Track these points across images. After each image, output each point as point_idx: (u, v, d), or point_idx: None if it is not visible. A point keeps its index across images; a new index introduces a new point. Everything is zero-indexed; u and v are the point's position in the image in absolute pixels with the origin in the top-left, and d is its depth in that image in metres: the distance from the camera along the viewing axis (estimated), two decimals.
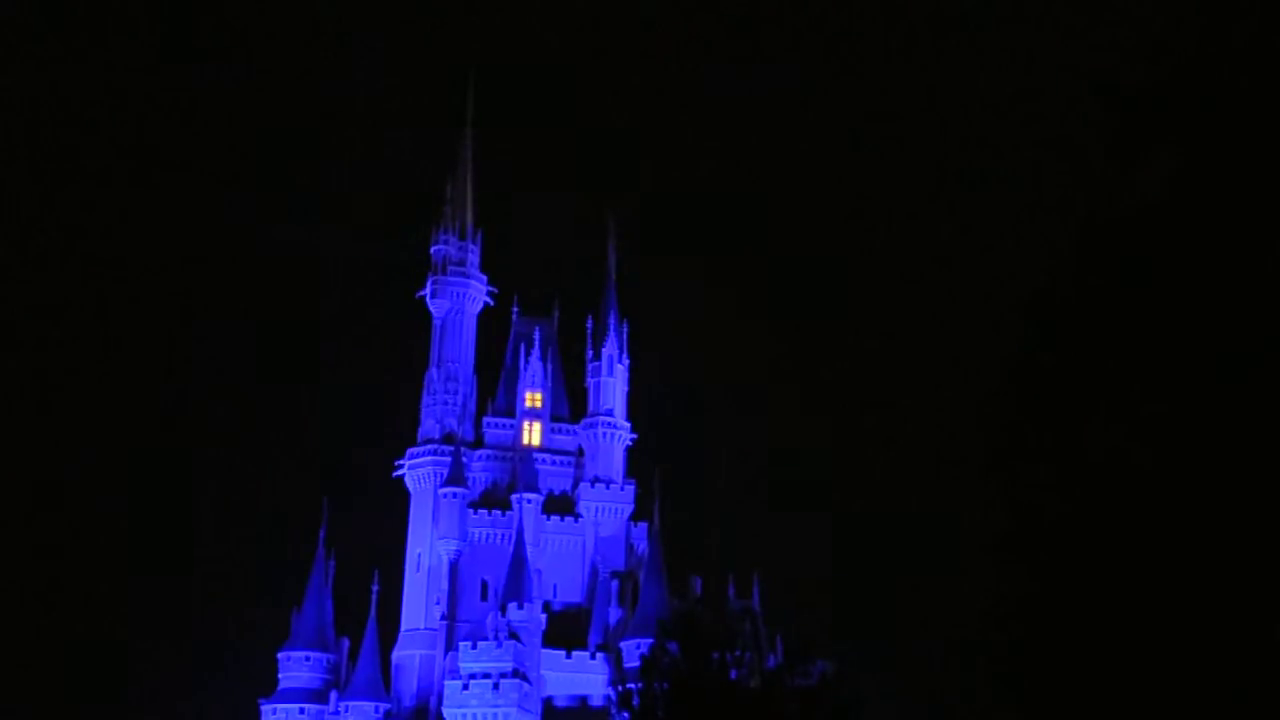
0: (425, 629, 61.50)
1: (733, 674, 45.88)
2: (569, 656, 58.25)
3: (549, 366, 67.07)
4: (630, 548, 63.23)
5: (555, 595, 61.92)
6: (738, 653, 47.56)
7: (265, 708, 60.00)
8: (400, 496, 65.57)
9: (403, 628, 62.53)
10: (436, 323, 67.77)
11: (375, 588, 61.96)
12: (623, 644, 57.39)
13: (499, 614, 58.20)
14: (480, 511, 63.14)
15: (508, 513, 62.83)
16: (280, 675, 60.59)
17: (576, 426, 65.98)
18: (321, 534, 63.01)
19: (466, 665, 56.07)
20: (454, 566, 61.97)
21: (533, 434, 65.91)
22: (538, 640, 57.99)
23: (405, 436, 66.21)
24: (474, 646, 56.61)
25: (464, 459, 63.76)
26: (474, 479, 64.31)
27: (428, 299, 67.82)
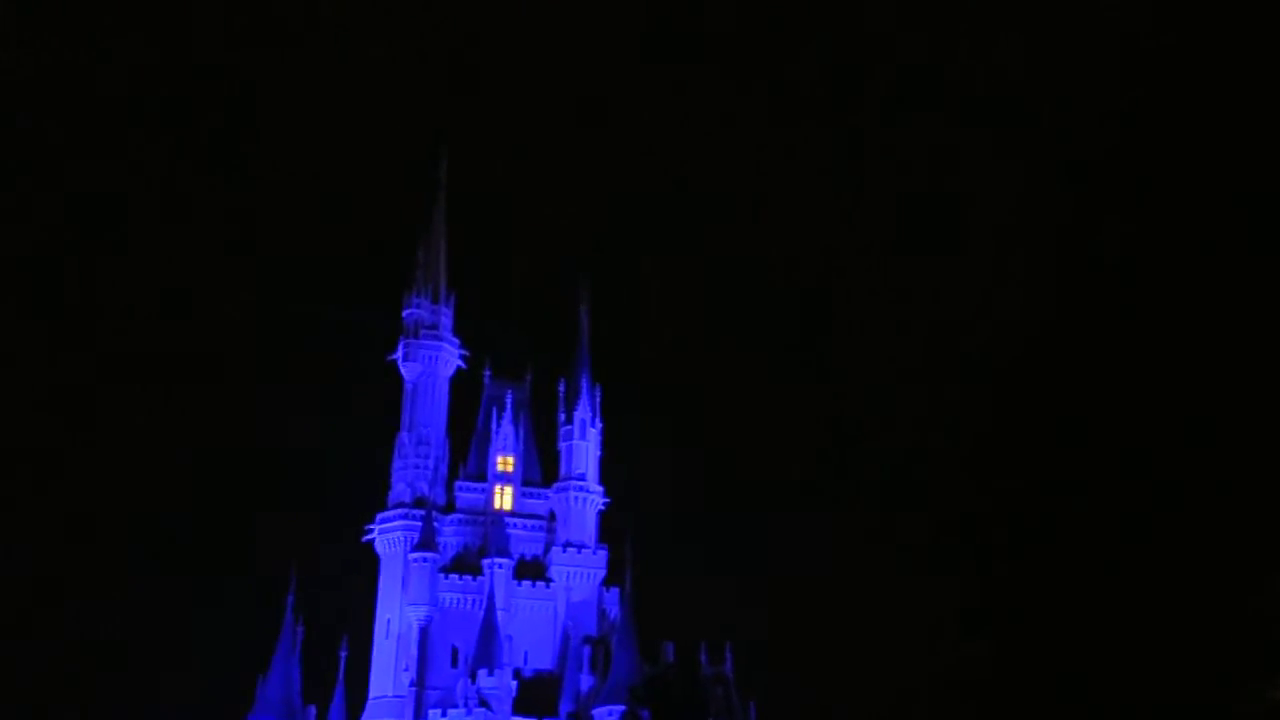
0: (394, 697, 60.67)
1: None
2: None
3: (521, 430, 66.99)
4: (602, 613, 62.77)
5: (526, 662, 61.29)
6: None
7: None
8: (370, 561, 65.09)
9: (371, 695, 61.68)
10: (408, 386, 67.67)
11: (344, 654, 61.16)
12: (595, 711, 56.82)
13: (469, 681, 57.58)
14: (451, 576, 62.63)
15: (479, 578, 62.35)
16: None
17: (548, 490, 65.76)
18: (289, 599, 62.20)
19: None
20: (424, 632, 61.30)
21: (504, 498, 65.65)
22: (508, 708, 57.28)
23: (376, 501, 65.86)
24: (443, 714, 55.85)
25: (435, 523, 63.39)
26: (445, 544, 63.89)
27: (400, 362, 67.79)
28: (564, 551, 63.41)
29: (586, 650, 60.02)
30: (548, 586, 63.01)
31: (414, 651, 60.90)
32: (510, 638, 60.46)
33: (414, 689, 59.92)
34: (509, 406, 67.21)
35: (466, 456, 67.22)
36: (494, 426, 66.80)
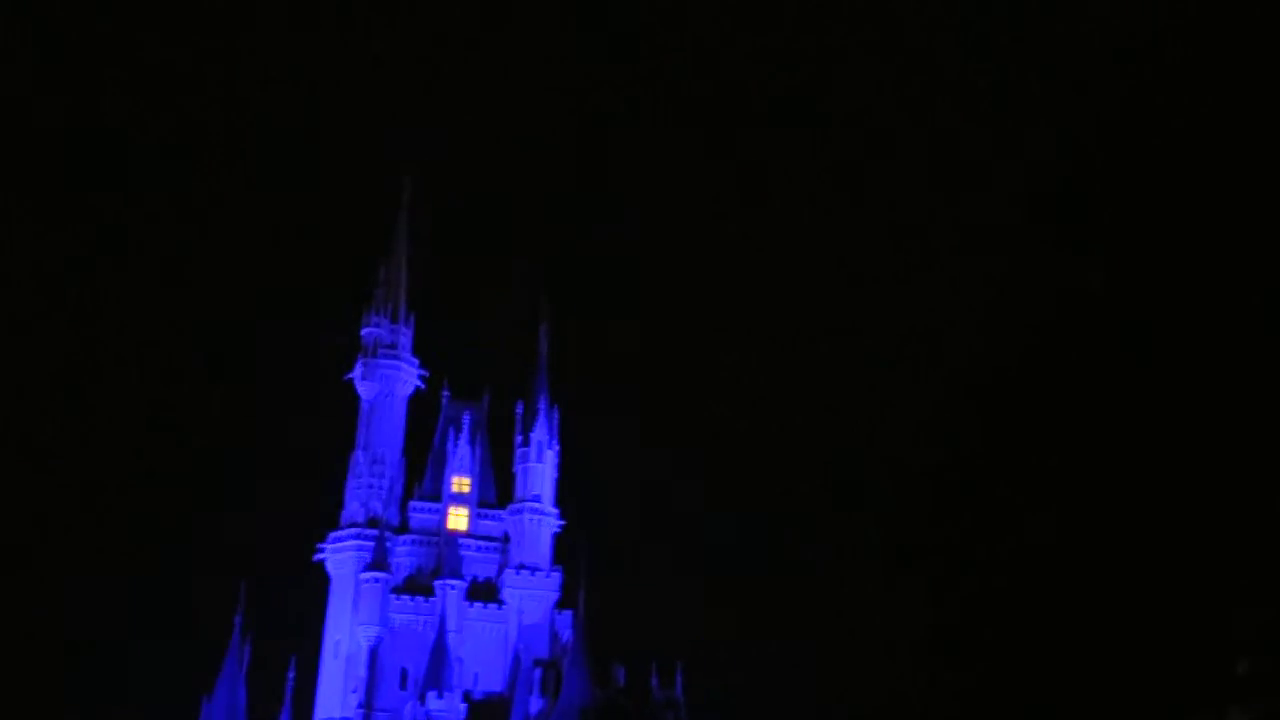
0: (341, 718, 59.88)
1: None
2: None
3: (478, 451, 66.63)
4: (555, 636, 62.30)
5: (476, 684, 60.71)
6: None
7: None
8: (322, 581, 64.37)
9: (317, 717, 60.85)
10: (365, 405, 67.21)
11: (291, 675, 60.29)
12: None
13: (418, 703, 56.97)
14: (403, 597, 62.05)
15: (430, 599, 61.81)
16: None
17: (503, 512, 65.36)
18: (237, 619, 61.26)
19: None
20: (373, 654, 60.61)
21: (459, 519, 65.19)
22: None
23: (329, 520, 65.24)
24: None
25: (388, 544, 62.80)
26: (398, 564, 63.32)
27: (357, 381, 67.33)
28: (517, 574, 62.97)
29: (537, 673, 59.50)
30: (500, 608, 62.54)
31: (363, 673, 60.19)
32: (461, 660, 59.92)
33: (361, 711, 59.20)
34: (466, 427, 66.87)
35: (422, 477, 66.77)
36: (450, 447, 66.41)
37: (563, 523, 65.36)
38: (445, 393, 68.92)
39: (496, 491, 66.70)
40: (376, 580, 61.48)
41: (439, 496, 65.73)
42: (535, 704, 58.32)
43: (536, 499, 64.83)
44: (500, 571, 63.85)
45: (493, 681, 61.02)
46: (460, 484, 65.90)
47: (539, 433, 65.91)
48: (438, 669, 57.74)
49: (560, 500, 65.83)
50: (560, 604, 63.07)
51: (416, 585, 62.88)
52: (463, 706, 57.52)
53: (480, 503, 65.98)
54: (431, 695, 56.78)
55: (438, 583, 61.95)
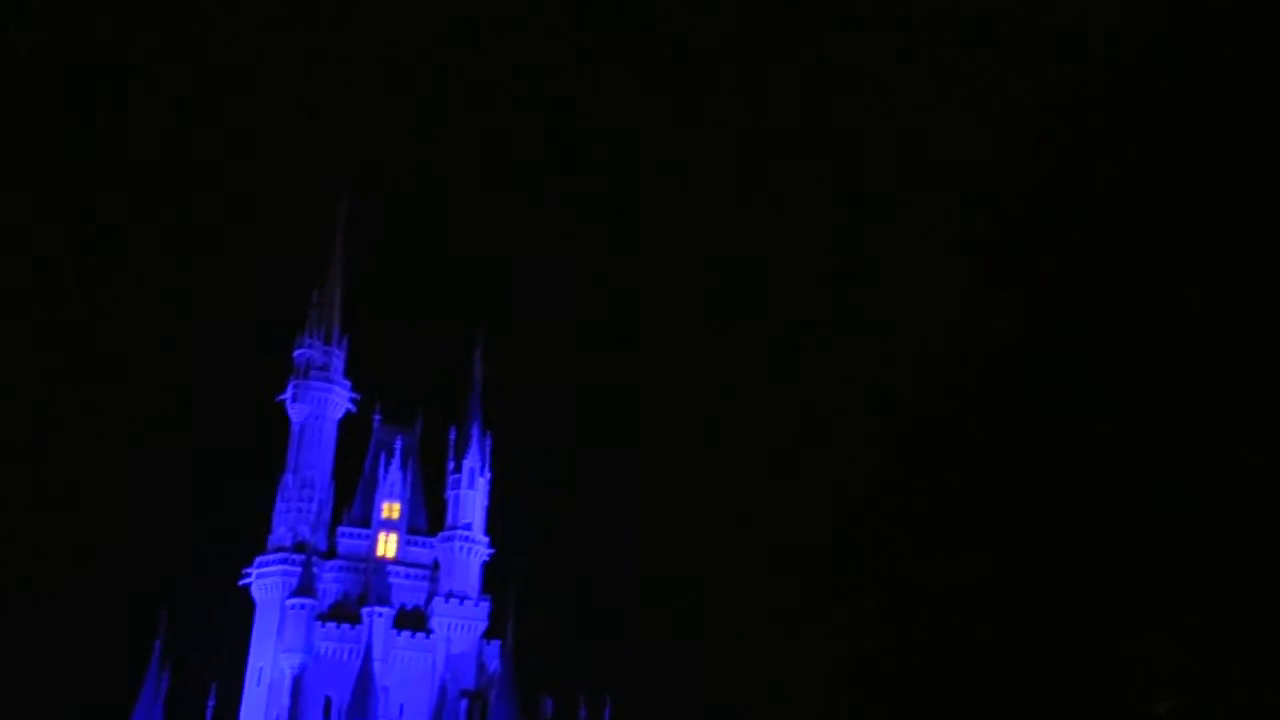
0: None
1: None
2: None
3: (409, 477, 66.04)
4: (482, 666, 61.79)
5: (401, 714, 59.94)
6: None
7: None
8: (246, 606, 63.24)
9: None
10: (295, 428, 66.35)
11: (211, 703, 59.09)
12: None
13: None
14: (329, 624, 61.18)
15: (357, 626, 61.01)
16: None
17: (434, 539, 64.79)
18: (157, 644, 59.99)
19: None
20: (297, 682, 59.63)
21: (388, 546, 64.50)
22: None
23: (256, 544, 64.19)
24: None
25: (315, 569, 61.94)
26: (324, 590, 62.45)
27: (288, 403, 66.46)
28: (446, 602, 62.40)
29: (464, 704, 58.99)
30: (428, 637, 61.88)
31: (286, 701, 59.16)
32: (386, 689, 59.12)
33: None
34: (398, 452, 66.26)
35: (352, 501, 66.03)
36: (381, 472, 65.76)
37: (492, 551, 64.97)
38: (377, 416, 68.32)
39: (427, 518, 66.13)
40: (302, 606, 60.58)
41: (368, 522, 65.01)
42: None
43: (468, 527, 64.35)
44: (429, 599, 63.22)
45: (418, 712, 60.30)
46: (390, 510, 65.25)
47: (471, 459, 65.51)
48: (363, 699, 56.94)
49: (491, 528, 65.44)
50: (488, 633, 62.62)
51: (343, 612, 62.06)
52: None
53: (410, 529, 65.36)
54: None
55: (365, 610, 61.20)
